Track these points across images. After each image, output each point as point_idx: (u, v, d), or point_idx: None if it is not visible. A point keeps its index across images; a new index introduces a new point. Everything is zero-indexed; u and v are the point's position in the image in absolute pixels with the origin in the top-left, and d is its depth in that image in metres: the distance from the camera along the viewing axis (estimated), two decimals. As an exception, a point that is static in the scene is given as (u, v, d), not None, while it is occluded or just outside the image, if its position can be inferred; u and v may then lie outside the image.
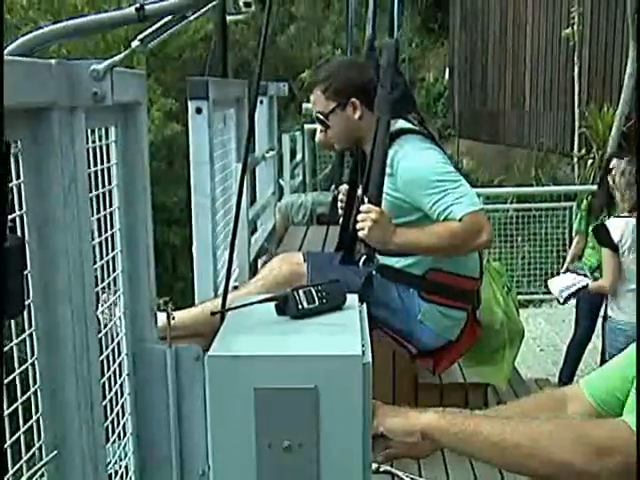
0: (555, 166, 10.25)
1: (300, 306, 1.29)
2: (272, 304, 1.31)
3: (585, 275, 4.41)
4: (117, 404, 1.46)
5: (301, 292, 1.30)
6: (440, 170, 2.38)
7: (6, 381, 1.08)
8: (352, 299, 1.39)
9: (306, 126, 8.23)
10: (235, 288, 3.11)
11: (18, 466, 1.10)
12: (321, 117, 2.61)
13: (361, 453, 1.15)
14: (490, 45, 12.93)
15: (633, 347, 1.43)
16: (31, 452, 1.14)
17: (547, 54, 11.11)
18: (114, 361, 1.45)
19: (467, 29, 13.77)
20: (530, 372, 5.52)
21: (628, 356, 1.44)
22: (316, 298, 1.31)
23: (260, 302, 1.32)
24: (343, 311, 1.34)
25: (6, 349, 1.08)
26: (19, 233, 1.11)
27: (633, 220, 4.05)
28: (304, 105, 7.90)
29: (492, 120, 12.64)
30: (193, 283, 3.14)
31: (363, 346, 1.16)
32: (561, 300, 4.38)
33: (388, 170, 2.39)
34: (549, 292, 6.08)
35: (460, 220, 2.29)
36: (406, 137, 2.48)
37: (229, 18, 5.68)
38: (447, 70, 14.75)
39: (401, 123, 2.53)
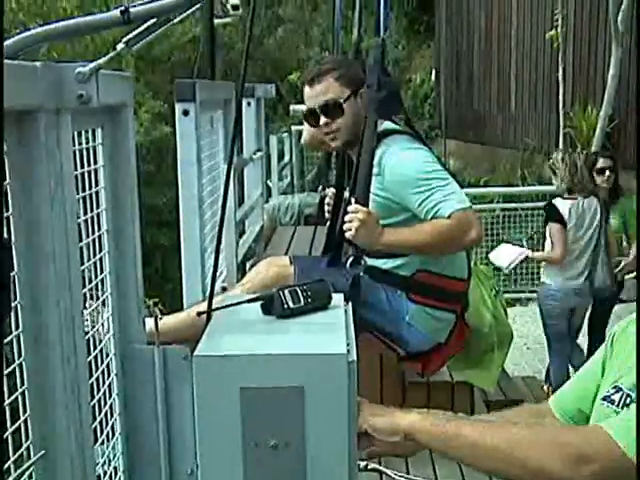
0: (540, 166, 10.30)
1: (286, 306, 1.30)
2: (258, 304, 1.32)
3: (521, 245, 4.95)
4: (105, 405, 1.46)
5: (287, 292, 1.31)
6: (427, 169, 2.37)
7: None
8: (338, 298, 1.40)
9: (294, 128, 8.24)
10: (223, 289, 3.13)
11: (6, 466, 1.11)
12: (335, 104, 2.51)
13: (347, 451, 1.17)
14: (475, 47, 12.97)
15: (592, 360, 1.45)
16: (19, 452, 1.15)
17: (531, 56, 11.16)
18: (102, 362, 1.45)
19: (452, 31, 13.81)
20: (517, 370, 5.55)
21: (588, 369, 1.45)
22: (302, 297, 1.32)
23: (246, 302, 1.33)
24: (329, 310, 1.35)
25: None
26: (6, 235, 1.11)
27: (575, 202, 4.61)
28: (292, 107, 7.93)
29: (478, 121, 12.68)
30: (182, 284, 3.14)
31: (348, 345, 1.17)
32: (506, 271, 4.94)
33: (375, 170, 2.38)
34: (536, 291, 6.17)
35: (448, 217, 2.28)
36: (393, 137, 2.47)
37: (217, 21, 5.69)
38: (433, 72, 14.79)
39: (387, 124, 2.53)
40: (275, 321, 1.30)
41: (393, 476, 2.32)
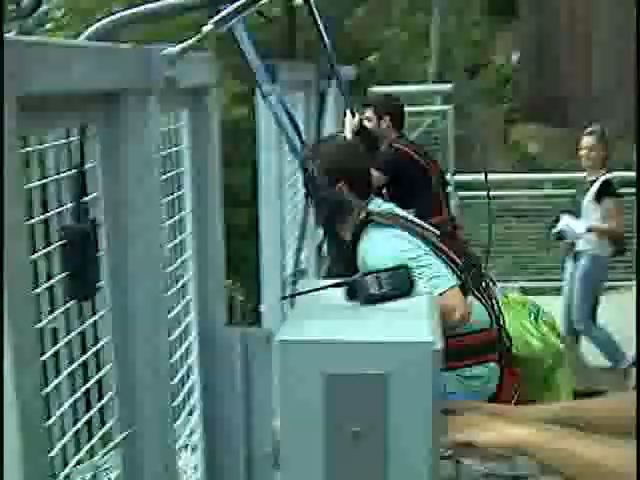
0: (628, 150, 9.97)
1: (370, 291, 1.28)
2: (341, 290, 1.31)
3: (577, 217, 5.02)
4: (186, 384, 1.48)
5: (370, 277, 1.28)
6: (405, 256, 2.36)
7: (81, 360, 1.11)
8: (421, 286, 1.37)
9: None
10: (302, 272, 3.13)
11: (94, 441, 1.13)
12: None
13: (430, 440, 1.14)
14: (560, 26, 12.63)
15: None
16: (105, 429, 1.17)
17: (619, 37, 10.80)
18: (183, 342, 1.47)
19: (537, 11, 13.47)
20: (595, 360, 5.38)
21: None
22: (384, 284, 1.29)
23: (329, 287, 1.32)
24: (412, 297, 1.33)
25: (80, 329, 1.11)
26: (93, 215, 1.12)
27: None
28: (369, 89, 7.86)
29: (560, 104, 12.37)
30: (258, 265, 3.16)
31: (433, 332, 1.14)
32: (575, 239, 4.92)
33: (360, 261, 2.46)
34: (621, 279, 6.05)
35: None
36: (372, 227, 2.50)
37: (297, 1, 5.68)
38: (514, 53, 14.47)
39: (386, 207, 2.58)
40: (359, 307, 1.28)
41: (470, 465, 2.29)
